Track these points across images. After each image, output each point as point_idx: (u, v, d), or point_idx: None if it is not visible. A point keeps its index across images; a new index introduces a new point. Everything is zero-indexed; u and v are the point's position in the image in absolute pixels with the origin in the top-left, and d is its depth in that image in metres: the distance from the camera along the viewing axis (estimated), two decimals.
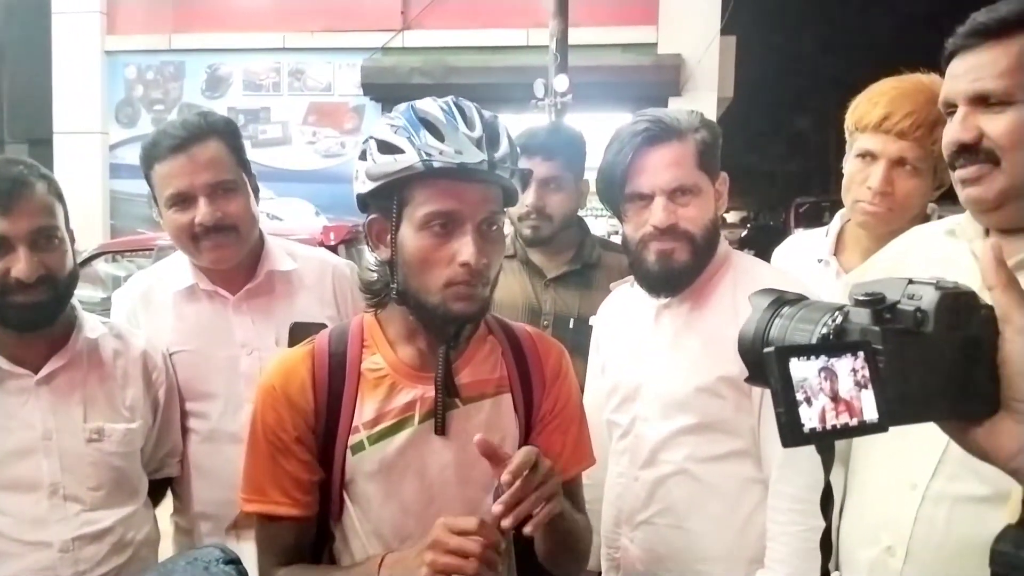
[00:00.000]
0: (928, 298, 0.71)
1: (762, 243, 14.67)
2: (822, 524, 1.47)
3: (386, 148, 1.27)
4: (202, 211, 1.78)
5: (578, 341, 1.97)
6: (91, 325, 1.75)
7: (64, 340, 1.69)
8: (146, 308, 1.94)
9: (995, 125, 1.20)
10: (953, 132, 1.24)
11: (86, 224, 10.69)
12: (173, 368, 1.87)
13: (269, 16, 11.09)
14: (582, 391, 1.59)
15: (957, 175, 1.27)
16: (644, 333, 1.75)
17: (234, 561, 1.32)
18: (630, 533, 1.74)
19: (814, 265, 2.10)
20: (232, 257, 1.86)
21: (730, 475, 1.61)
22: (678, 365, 1.67)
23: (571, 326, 2.21)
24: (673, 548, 1.68)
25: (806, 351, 0.68)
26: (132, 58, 11.52)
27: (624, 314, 1.84)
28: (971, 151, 1.22)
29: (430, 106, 1.30)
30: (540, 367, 1.48)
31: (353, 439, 1.36)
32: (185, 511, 1.94)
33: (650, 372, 1.71)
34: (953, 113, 1.26)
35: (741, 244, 19.43)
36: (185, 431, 1.89)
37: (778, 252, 2.33)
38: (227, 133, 1.85)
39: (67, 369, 1.68)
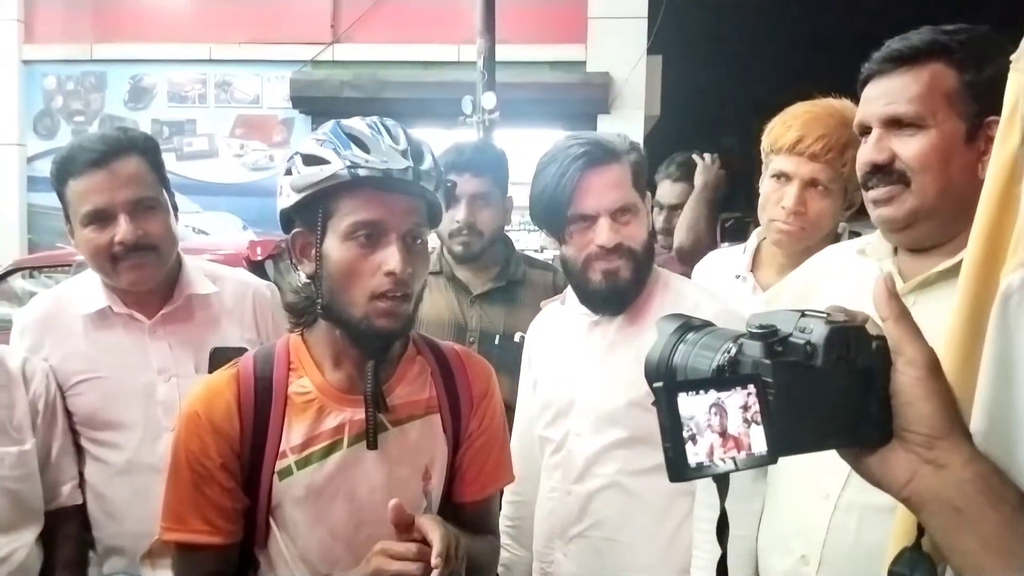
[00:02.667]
0: (818, 331, 0.73)
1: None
2: (744, 533, 1.53)
3: (312, 160, 1.28)
4: (123, 229, 1.71)
5: (504, 357, 1.99)
6: None
7: None
8: (51, 332, 1.83)
9: (907, 147, 1.26)
10: (867, 153, 1.30)
11: (2, 238, 10.31)
12: (58, 396, 1.77)
13: (195, 27, 10.86)
14: (507, 408, 1.60)
15: (869, 195, 1.32)
16: (576, 349, 1.78)
17: None
18: (563, 547, 1.76)
19: (732, 281, 2.16)
20: (151, 278, 1.80)
21: (660, 487, 1.65)
22: (609, 380, 1.71)
23: (496, 342, 2.22)
24: (606, 560, 1.71)
25: (695, 386, 0.69)
26: (51, 68, 11.13)
27: (556, 330, 1.87)
28: (883, 172, 1.28)
29: (356, 123, 1.32)
30: (468, 387, 1.49)
31: (280, 464, 1.34)
32: (97, 545, 1.84)
33: (582, 387, 1.74)
34: (868, 135, 1.31)
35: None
36: (97, 462, 1.80)
37: (699, 268, 2.39)
38: (148, 149, 1.80)
39: None
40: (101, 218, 1.73)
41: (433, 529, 1.23)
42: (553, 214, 1.71)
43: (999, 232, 0.84)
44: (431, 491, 1.44)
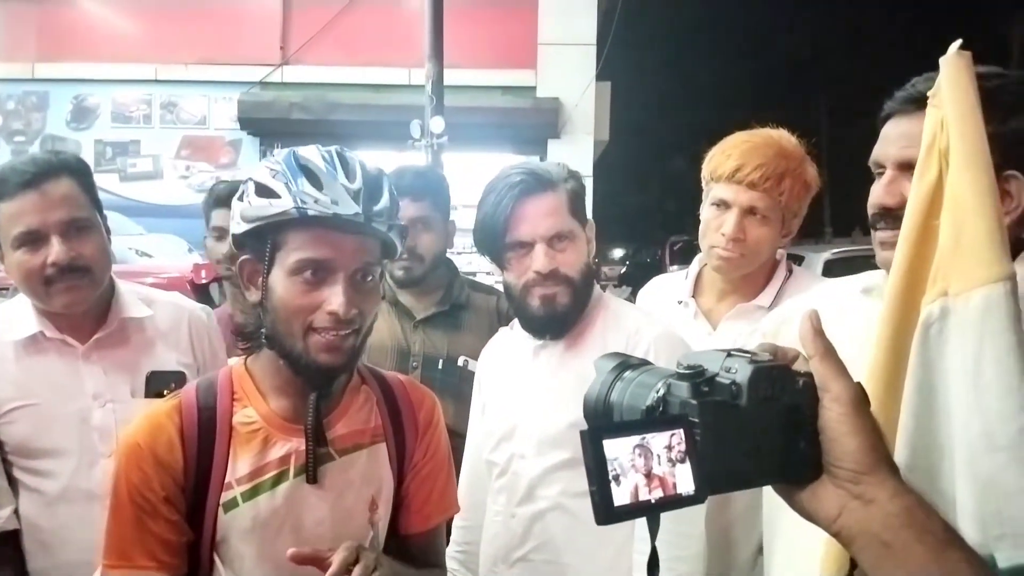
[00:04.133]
0: (743, 371, 0.74)
1: (640, 279, 15.04)
2: (682, 554, 1.53)
3: (263, 191, 1.27)
4: (55, 250, 1.68)
5: (447, 382, 1.99)
6: None
7: None
8: None
9: None
10: (878, 195, 1.26)
11: None
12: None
13: (141, 46, 10.73)
14: (450, 434, 1.60)
15: (877, 236, 1.29)
16: (521, 373, 1.81)
17: None
18: (507, 571, 1.77)
19: (674, 306, 2.19)
20: (84, 300, 1.76)
21: None
22: (552, 403, 1.72)
23: (440, 367, 2.22)
24: None
25: (620, 429, 0.71)
26: None
27: (504, 355, 1.89)
28: (892, 215, 1.24)
29: (312, 154, 1.30)
30: (413, 416, 1.48)
31: (226, 496, 1.32)
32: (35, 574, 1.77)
33: (526, 410, 1.76)
34: (882, 173, 1.28)
35: (621, 279, 19.95)
36: (30, 492, 1.75)
37: (643, 293, 2.41)
38: (79, 171, 1.77)
39: None
40: (33, 240, 1.70)
41: (339, 551, 1.21)
42: (491, 241, 1.75)
43: (919, 264, 0.87)
44: (378, 522, 1.42)
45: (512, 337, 1.89)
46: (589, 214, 1.83)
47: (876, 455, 0.74)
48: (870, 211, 1.31)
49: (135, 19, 10.84)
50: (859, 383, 0.77)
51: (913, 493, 0.75)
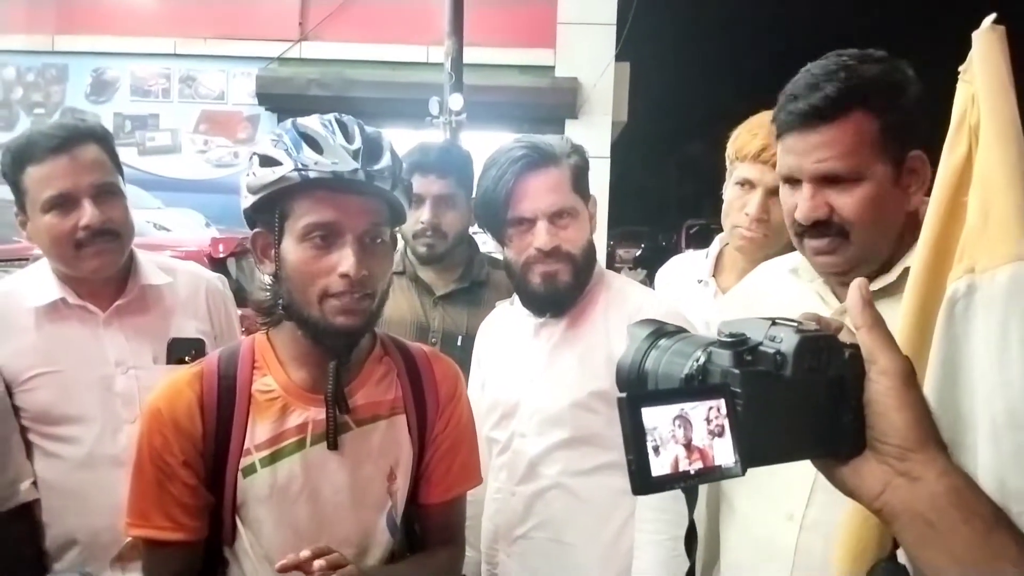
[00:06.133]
0: (788, 340, 0.71)
1: (655, 262, 14.97)
2: (659, 538, 1.53)
3: (266, 161, 1.28)
4: (88, 213, 1.69)
5: (466, 359, 1.99)
6: None
7: None
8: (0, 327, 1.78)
9: (844, 202, 1.25)
10: (804, 210, 1.27)
11: None
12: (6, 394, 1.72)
13: (160, 20, 10.77)
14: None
15: (809, 245, 1.31)
16: (522, 350, 1.80)
17: None
18: (507, 548, 1.77)
19: (694, 285, 2.19)
20: (113, 264, 1.78)
21: (602, 488, 1.66)
22: (554, 381, 1.72)
23: (459, 343, 2.22)
24: (549, 561, 1.72)
25: (660, 397, 0.67)
26: (11, 59, 10.98)
27: (504, 331, 1.88)
28: (823, 225, 1.27)
29: (311, 121, 1.31)
30: (435, 388, 1.49)
31: (244, 462, 1.34)
32: (52, 540, 1.78)
33: (527, 388, 1.75)
34: (794, 184, 1.29)
35: (636, 262, 19.88)
36: (51, 458, 1.76)
37: (661, 273, 2.41)
38: (104, 138, 1.79)
39: None
40: (64, 203, 1.70)
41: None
42: (493, 216, 1.72)
43: (946, 240, 0.86)
44: (396, 492, 1.43)
45: (512, 312, 1.87)
46: (605, 197, 1.82)
47: (924, 431, 0.72)
48: (793, 223, 1.31)
49: None
50: (907, 356, 0.75)
51: (962, 473, 0.73)
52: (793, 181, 1.31)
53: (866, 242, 1.27)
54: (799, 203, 1.29)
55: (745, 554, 1.43)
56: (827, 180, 1.26)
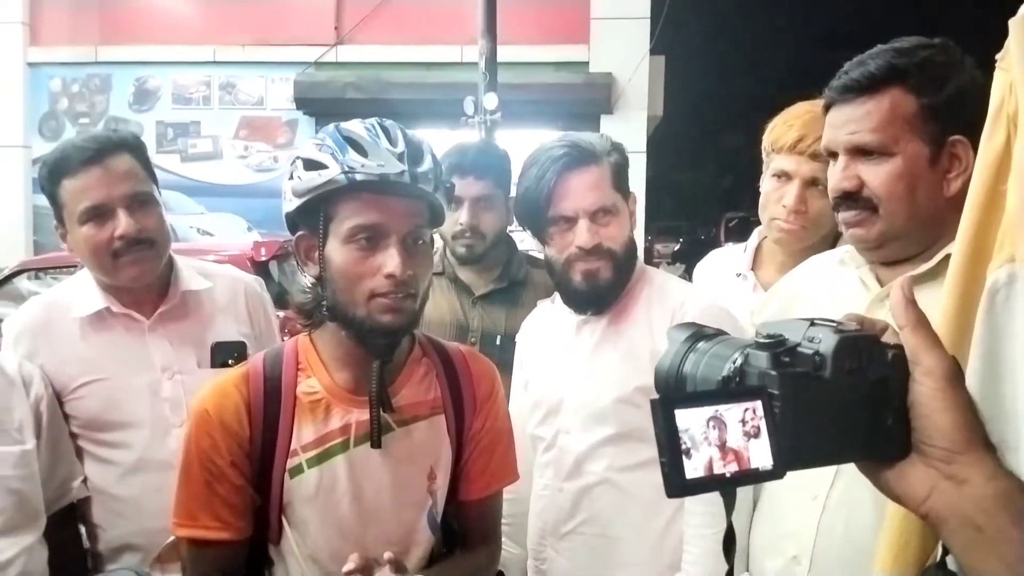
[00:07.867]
0: (827, 341, 0.70)
1: (693, 256, 14.87)
2: (706, 532, 1.52)
3: (311, 165, 1.30)
4: (123, 223, 1.73)
5: (505, 358, 2.00)
6: None
7: None
8: (45, 338, 1.81)
9: (873, 175, 1.28)
10: (836, 181, 1.32)
11: (8, 240, 10.34)
12: (55, 400, 1.76)
13: (199, 29, 10.93)
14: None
15: (841, 217, 1.35)
16: (565, 348, 1.80)
17: None
18: (556, 544, 1.78)
19: (733, 279, 2.18)
20: (151, 272, 1.81)
21: (649, 483, 1.66)
22: (597, 377, 1.72)
23: (498, 343, 2.23)
24: (597, 556, 1.72)
25: (693, 399, 0.67)
26: (57, 70, 11.21)
27: (546, 330, 1.89)
28: (852, 198, 1.31)
29: (355, 126, 1.33)
30: (472, 388, 1.50)
31: (292, 462, 1.36)
32: (107, 544, 1.83)
33: (571, 385, 1.76)
34: (835, 158, 1.34)
35: (674, 257, 19.76)
36: (102, 463, 1.80)
37: (700, 267, 2.40)
38: (137, 148, 1.83)
39: None
40: (99, 214, 1.74)
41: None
42: (534, 216, 1.73)
43: (986, 229, 0.85)
44: (436, 491, 1.46)
45: (554, 311, 1.88)
46: (642, 191, 1.82)
47: (971, 433, 0.70)
48: (831, 196, 1.36)
49: (194, 2, 11.06)
50: (953, 357, 0.73)
51: (1011, 476, 0.71)
52: (832, 154, 1.34)
53: (895, 218, 1.29)
54: (832, 175, 1.33)
55: (768, 531, 1.45)
56: (859, 152, 1.29)
